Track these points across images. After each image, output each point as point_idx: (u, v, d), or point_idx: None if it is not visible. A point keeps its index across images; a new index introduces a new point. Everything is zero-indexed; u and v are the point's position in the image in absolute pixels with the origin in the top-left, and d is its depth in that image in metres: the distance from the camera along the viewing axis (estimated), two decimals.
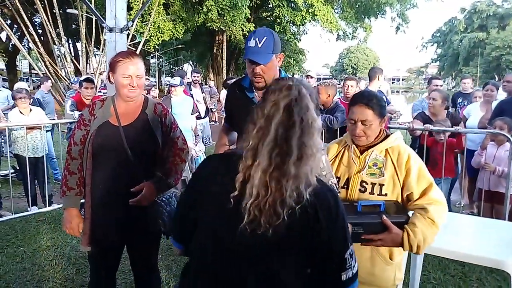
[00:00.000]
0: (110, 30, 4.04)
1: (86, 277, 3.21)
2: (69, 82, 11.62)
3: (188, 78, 7.51)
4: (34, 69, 16.97)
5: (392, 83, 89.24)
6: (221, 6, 17.99)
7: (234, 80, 2.60)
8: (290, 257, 1.10)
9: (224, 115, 2.47)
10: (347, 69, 75.16)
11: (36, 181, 5.13)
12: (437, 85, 5.16)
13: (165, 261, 3.56)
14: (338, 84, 9.10)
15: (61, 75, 12.50)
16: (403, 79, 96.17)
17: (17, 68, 30.36)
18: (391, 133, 1.83)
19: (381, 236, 1.61)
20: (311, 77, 7.64)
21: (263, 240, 1.06)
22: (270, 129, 1.05)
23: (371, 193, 1.74)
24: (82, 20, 12.99)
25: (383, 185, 1.73)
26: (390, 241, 1.63)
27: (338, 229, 1.12)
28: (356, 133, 1.75)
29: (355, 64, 74.63)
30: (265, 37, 1.94)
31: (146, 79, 13.48)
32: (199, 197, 1.19)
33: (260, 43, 1.93)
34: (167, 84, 5.79)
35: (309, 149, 1.05)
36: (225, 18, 18.42)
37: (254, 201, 1.04)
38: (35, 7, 11.54)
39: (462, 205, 4.80)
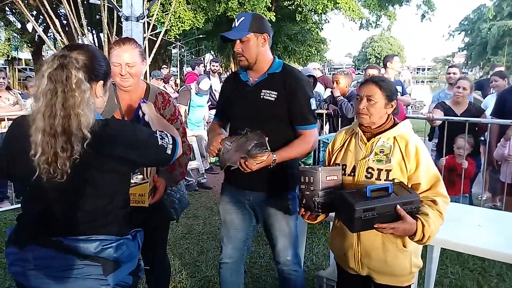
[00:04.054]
0: (127, 18, 4.05)
1: None
2: None
3: (204, 66, 7.51)
4: None
5: (417, 73, 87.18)
6: None
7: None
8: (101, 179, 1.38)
9: (216, 108, 2.42)
10: (370, 58, 73.79)
11: None
12: (455, 73, 4.98)
13: (178, 249, 3.59)
14: (361, 73, 8.92)
15: None
16: (428, 69, 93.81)
17: (43, 58, 31.05)
18: (400, 122, 1.81)
19: (393, 225, 1.59)
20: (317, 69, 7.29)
21: (63, 184, 1.30)
22: (40, 97, 1.29)
23: (378, 179, 1.72)
24: (104, 10, 13.11)
25: (390, 170, 1.71)
26: (402, 230, 1.61)
27: (133, 143, 1.42)
28: (359, 108, 1.77)
29: (378, 54, 73.15)
30: (243, 18, 2.03)
31: (163, 67, 13.54)
32: (11, 156, 1.43)
33: (237, 23, 2.03)
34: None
35: (75, 109, 1.29)
36: (245, 7, 18.25)
37: (40, 156, 1.28)
38: None
39: (484, 198, 4.65)
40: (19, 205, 4.83)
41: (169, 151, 1.48)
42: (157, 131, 1.50)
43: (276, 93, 2.05)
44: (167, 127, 1.73)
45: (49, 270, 1.33)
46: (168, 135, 1.52)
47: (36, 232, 1.37)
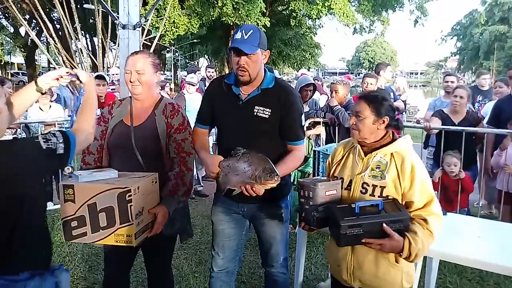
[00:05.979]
0: (123, 27, 4.02)
1: (98, 274, 3.23)
2: None
3: (199, 73, 7.52)
4: (52, 64, 17.18)
5: (410, 77, 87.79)
6: (236, 0, 17.88)
7: (218, 76, 2.59)
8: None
9: (198, 114, 2.31)
10: (363, 63, 74.34)
11: (53, 177, 5.16)
12: (453, 81, 5.02)
13: (176, 260, 3.55)
14: (355, 77, 8.99)
15: None
16: (421, 73, 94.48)
17: (36, 62, 30.82)
18: (399, 137, 1.82)
19: (380, 241, 1.62)
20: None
21: None
22: None
23: (372, 194, 1.74)
24: (98, 15, 13.07)
25: (384, 187, 1.72)
26: (389, 247, 1.64)
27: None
28: (350, 124, 1.83)
29: (372, 58, 73.59)
30: (251, 31, 1.98)
31: (161, 74, 13.56)
32: None
33: (246, 35, 1.96)
34: (187, 82, 5.86)
35: None
36: (240, 12, 18.31)
37: None
38: (53, 2, 11.65)
39: (480, 205, 4.67)
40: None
41: (60, 150, 1.36)
42: (40, 135, 1.36)
43: (270, 110, 2.04)
44: (89, 117, 1.63)
45: None
46: (57, 133, 1.38)
47: None
